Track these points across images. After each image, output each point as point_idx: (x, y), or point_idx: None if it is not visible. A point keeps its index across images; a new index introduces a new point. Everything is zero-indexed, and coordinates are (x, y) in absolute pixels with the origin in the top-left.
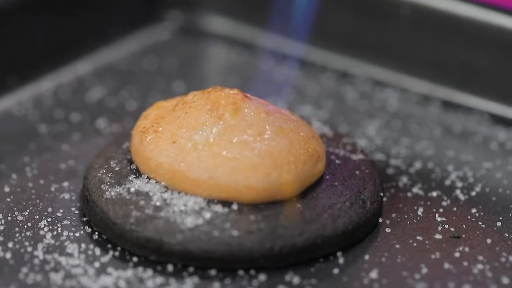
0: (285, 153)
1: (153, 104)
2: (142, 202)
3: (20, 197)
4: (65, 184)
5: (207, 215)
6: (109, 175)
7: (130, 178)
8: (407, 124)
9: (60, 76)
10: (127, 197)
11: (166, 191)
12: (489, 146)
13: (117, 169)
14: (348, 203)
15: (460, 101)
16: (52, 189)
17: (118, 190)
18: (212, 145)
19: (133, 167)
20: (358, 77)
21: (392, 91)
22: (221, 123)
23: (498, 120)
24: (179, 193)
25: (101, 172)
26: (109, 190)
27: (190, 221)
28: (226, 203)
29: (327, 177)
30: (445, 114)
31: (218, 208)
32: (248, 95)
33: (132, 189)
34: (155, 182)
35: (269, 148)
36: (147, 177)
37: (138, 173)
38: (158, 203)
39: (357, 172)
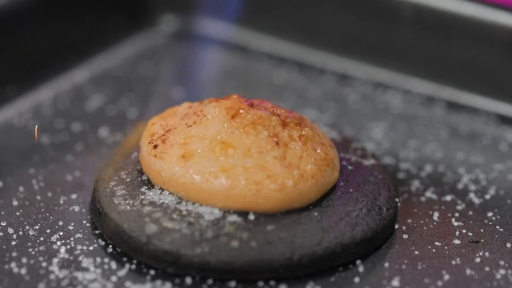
0: (303, 162)
1: (162, 112)
2: (157, 214)
3: (29, 211)
4: (74, 196)
5: (225, 226)
6: (121, 187)
7: (143, 189)
8: (413, 126)
9: (58, 84)
10: (141, 209)
11: (180, 202)
12: (499, 147)
13: (128, 180)
14: (365, 210)
15: (465, 102)
16: (61, 201)
17: (131, 202)
18: (227, 156)
19: (144, 177)
20: (358, 79)
21: (394, 92)
22: (236, 132)
23: (506, 120)
24: (193, 204)
25: (112, 184)
26: (122, 202)
27: (207, 233)
28: (242, 213)
29: (341, 183)
30: (451, 115)
31: (235, 218)
32: (261, 102)
33: (146, 201)
34: (169, 193)
35: (287, 157)
36: (160, 188)
37: (150, 184)
38: (174, 215)
39: (370, 178)
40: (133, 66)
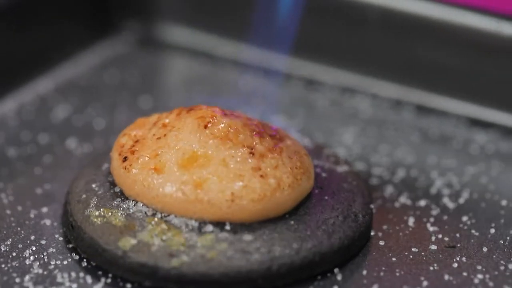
0: (279, 171)
1: (131, 124)
2: (132, 227)
3: (0, 226)
4: (44, 209)
5: (202, 237)
6: (93, 199)
7: (116, 201)
8: (383, 130)
9: (22, 95)
10: (116, 222)
11: (155, 213)
12: (469, 151)
13: (100, 192)
14: (341, 218)
15: (434, 105)
16: (32, 215)
17: (105, 215)
18: (201, 167)
19: (116, 189)
20: (325, 83)
21: (363, 97)
22: (209, 143)
23: (475, 122)
24: (168, 215)
25: (84, 196)
26: (95, 215)
27: (184, 244)
28: (218, 224)
29: (316, 191)
30: (420, 119)
31: (212, 229)
32: (230, 111)
33: (120, 214)
34: (143, 205)
35: (262, 167)
36: (133, 200)
37: (123, 196)
38: (149, 227)
39: (344, 184)
40: (97, 75)
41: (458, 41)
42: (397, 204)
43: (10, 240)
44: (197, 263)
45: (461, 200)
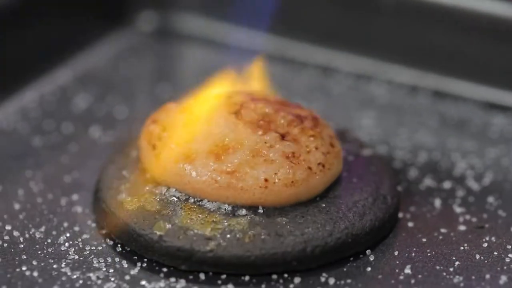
0: (311, 156)
1: (156, 111)
2: (166, 211)
3: (32, 214)
4: (75, 197)
5: (236, 220)
6: (125, 186)
7: (148, 187)
8: (401, 115)
9: (42, 86)
10: (150, 207)
11: (187, 198)
12: (489, 134)
13: (131, 179)
14: (370, 200)
15: (450, 90)
16: (63, 203)
17: (138, 200)
18: (232, 153)
19: (147, 176)
20: (340, 70)
21: (378, 82)
22: (240, 129)
23: (492, 106)
24: (201, 200)
25: (115, 183)
26: (128, 200)
27: (219, 228)
28: (251, 208)
29: (344, 174)
30: (437, 103)
31: (245, 212)
32: (260, 96)
33: (153, 199)
34: (175, 190)
35: (294, 151)
36: (166, 186)
37: (155, 182)
38: (183, 212)
39: (371, 167)
40: (114, 65)
41: (473, 25)
42: (422, 187)
43: (44, 227)
44: (233, 245)
45: (485, 182)
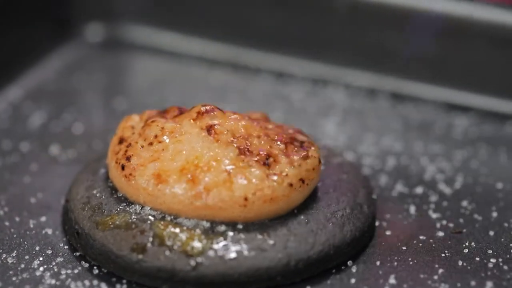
0: (291, 171)
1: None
2: (143, 231)
3: (1, 238)
4: (43, 219)
5: (216, 237)
6: (98, 206)
7: (122, 206)
8: (363, 119)
9: None
10: (126, 227)
11: (163, 216)
12: (453, 135)
13: (103, 198)
14: (348, 210)
15: (409, 92)
16: (31, 225)
17: (112, 220)
18: (207, 172)
19: (119, 194)
20: (295, 76)
21: (336, 86)
22: (214, 146)
23: (452, 107)
24: (176, 218)
25: (87, 203)
26: (103, 221)
27: (200, 246)
28: (229, 223)
29: (319, 184)
30: (398, 106)
31: (224, 228)
32: (229, 111)
33: (128, 218)
34: (150, 208)
35: (273, 168)
36: (139, 205)
37: (127, 201)
38: (161, 231)
39: (343, 176)
40: (65, 79)
41: (429, 26)
42: (394, 193)
43: (15, 251)
44: (216, 263)
45: (457, 186)
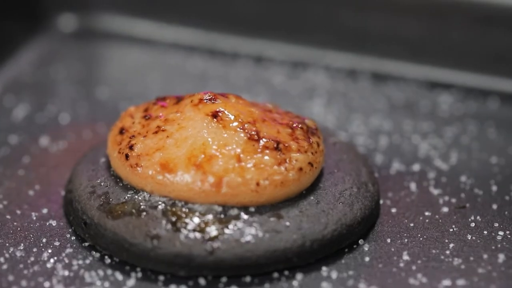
0: (301, 155)
1: (122, 114)
2: (156, 217)
3: (6, 232)
4: (44, 210)
5: (230, 221)
6: (104, 195)
7: (129, 194)
8: (348, 100)
9: None
10: (137, 215)
11: (173, 203)
12: (439, 113)
13: (108, 187)
14: (355, 188)
15: (390, 71)
16: (34, 218)
17: (122, 209)
18: (218, 158)
19: (125, 182)
20: (273, 60)
21: (316, 68)
22: (222, 133)
23: (434, 85)
24: (187, 203)
25: (92, 193)
26: (112, 210)
27: (215, 230)
28: (241, 207)
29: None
30: (380, 86)
31: (237, 212)
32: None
33: (138, 206)
34: (159, 196)
35: (284, 153)
36: (147, 192)
37: (134, 189)
38: (173, 217)
39: (343, 155)
40: (42, 71)
41: (407, 5)
42: (392, 171)
43: (22, 245)
44: (233, 247)
45: (452, 161)
